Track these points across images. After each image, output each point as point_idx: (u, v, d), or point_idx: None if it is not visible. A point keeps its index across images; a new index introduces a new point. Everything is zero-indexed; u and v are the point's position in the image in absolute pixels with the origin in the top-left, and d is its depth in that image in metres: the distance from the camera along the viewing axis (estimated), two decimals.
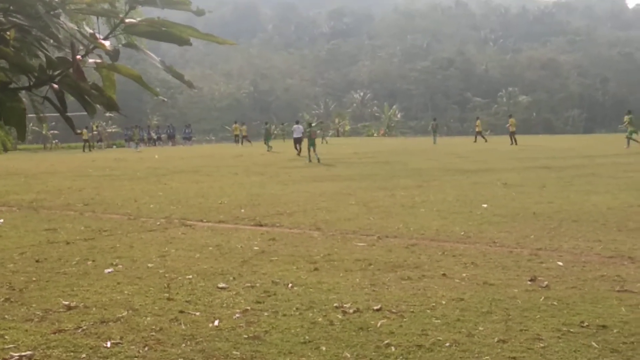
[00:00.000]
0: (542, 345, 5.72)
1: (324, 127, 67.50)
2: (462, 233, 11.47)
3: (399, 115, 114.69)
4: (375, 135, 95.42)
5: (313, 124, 41.36)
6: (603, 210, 13.84)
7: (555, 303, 6.97)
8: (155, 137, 75.02)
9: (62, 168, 33.29)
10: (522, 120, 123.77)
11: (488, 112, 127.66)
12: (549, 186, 18.76)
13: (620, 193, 16.62)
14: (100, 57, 3.14)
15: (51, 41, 3.09)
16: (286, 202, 16.55)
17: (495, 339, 5.86)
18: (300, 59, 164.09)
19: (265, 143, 50.22)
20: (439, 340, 5.88)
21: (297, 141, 39.62)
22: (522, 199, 16.02)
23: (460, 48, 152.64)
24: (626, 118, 44.84)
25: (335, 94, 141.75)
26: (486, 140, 55.62)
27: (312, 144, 34.57)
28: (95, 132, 65.40)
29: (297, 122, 41.09)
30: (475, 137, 57.59)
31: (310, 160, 33.17)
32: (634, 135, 39.53)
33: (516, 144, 47.10)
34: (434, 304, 7.03)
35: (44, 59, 3.08)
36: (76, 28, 3.00)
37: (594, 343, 5.74)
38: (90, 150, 59.37)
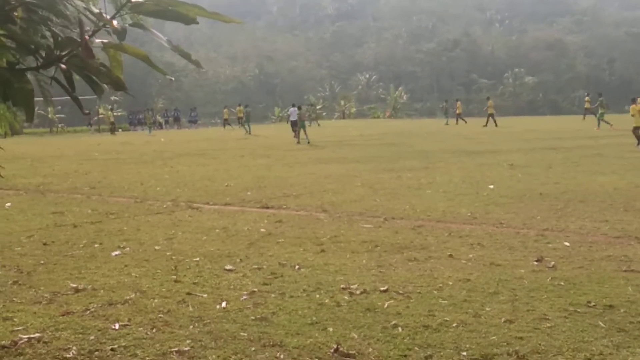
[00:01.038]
0: (549, 325, 5.73)
1: (313, 110, 67.87)
2: (469, 214, 11.47)
3: (404, 97, 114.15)
4: (381, 117, 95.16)
5: (318, 106, 41.76)
6: (610, 190, 13.82)
7: (562, 283, 6.97)
8: (162, 120, 74.91)
9: (68, 152, 33.35)
10: (529, 101, 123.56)
11: (494, 94, 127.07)
12: (555, 167, 18.74)
13: (626, 173, 16.59)
14: (107, 36, 3.14)
15: (59, 21, 3.09)
16: (292, 184, 16.56)
17: (502, 319, 5.87)
18: (305, 41, 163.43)
19: (243, 126, 50.45)
20: (446, 320, 5.90)
21: (294, 124, 39.96)
22: (528, 180, 16.01)
23: (466, 29, 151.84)
24: (587, 99, 50.46)
25: (341, 76, 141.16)
26: (457, 123, 55.16)
27: (302, 125, 35.95)
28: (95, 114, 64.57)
29: (293, 105, 41.34)
30: (457, 119, 57.09)
31: (298, 142, 34.18)
32: (605, 117, 40.76)
33: (496, 125, 46.99)
34: (440, 285, 7.04)
35: (51, 39, 3.08)
36: (84, 6, 2.99)
37: (600, 323, 5.75)
38: (114, 133, 59.22)
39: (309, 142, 33.75)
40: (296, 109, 39.07)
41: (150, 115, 63.77)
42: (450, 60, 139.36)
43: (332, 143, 33.71)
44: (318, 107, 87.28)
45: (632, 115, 26.55)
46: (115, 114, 71.96)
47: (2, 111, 4.33)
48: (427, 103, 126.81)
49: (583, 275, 7.29)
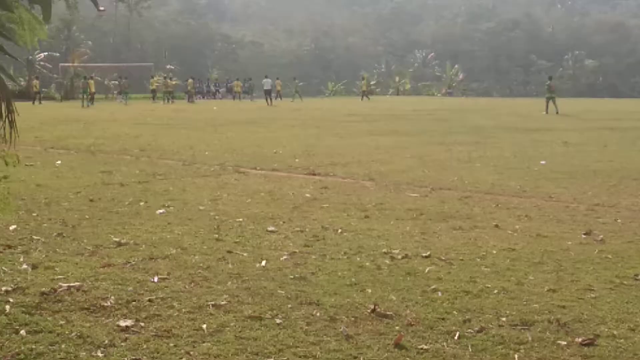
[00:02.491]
0: (593, 295, 5.58)
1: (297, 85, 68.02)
2: (518, 187, 11.30)
3: (460, 76, 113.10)
4: (436, 95, 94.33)
5: (372, 82, 43.63)
6: None
7: (609, 256, 6.80)
8: (214, 90, 74.91)
9: (121, 117, 33.72)
10: (588, 84, 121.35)
11: (553, 75, 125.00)
12: (611, 145, 18.39)
13: None
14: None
15: None
16: (341, 153, 16.49)
17: (545, 288, 5.74)
18: (363, 17, 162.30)
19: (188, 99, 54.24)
20: (487, 287, 5.78)
21: (267, 93, 49.47)
22: (582, 157, 15.74)
23: (526, 9, 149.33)
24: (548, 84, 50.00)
25: (397, 53, 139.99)
26: (369, 99, 55.72)
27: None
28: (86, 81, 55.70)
29: (267, 77, 46.42)
30: (362, 96, 57.95)
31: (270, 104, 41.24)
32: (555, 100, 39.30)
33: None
34: (484, 253, 6.92)
35: None
36: None
37: None
38: (158, 100, 58.32)
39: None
40: (270, 79, 49.45)
41: (192, 83, 61.45)
42: (509, 41, 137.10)
43: (384, 116, 33.52)
44: (372, 82, 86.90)
45: None
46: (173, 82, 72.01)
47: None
48: (483, 83, 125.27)
49: (632, 249, 7.11)
